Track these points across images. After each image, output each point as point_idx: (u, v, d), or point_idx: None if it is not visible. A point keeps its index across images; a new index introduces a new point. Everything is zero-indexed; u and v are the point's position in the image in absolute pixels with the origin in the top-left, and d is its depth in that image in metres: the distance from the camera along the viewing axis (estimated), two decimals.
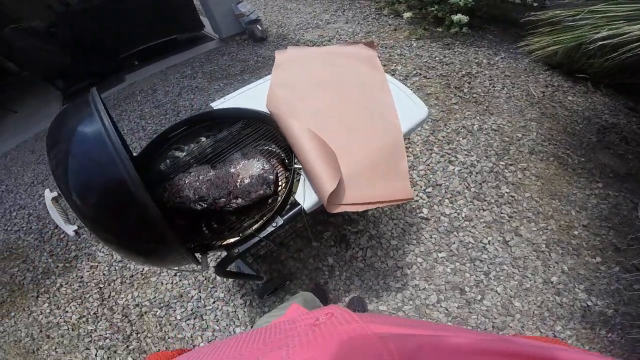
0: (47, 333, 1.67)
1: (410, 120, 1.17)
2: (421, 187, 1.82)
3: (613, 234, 1.69)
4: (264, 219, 0.94)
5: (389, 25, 3.22)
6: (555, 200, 1.79)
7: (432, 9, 2.88)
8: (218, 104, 1.29)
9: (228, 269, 0.96)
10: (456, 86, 2.36)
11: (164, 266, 1.59)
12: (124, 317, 1.62)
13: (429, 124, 2.10)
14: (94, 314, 1.68)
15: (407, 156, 1.94)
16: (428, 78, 2.46)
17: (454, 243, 1.62)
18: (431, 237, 1.64)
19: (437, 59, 2.63)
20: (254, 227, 0.92)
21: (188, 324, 1.54)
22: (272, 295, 1.51)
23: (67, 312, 1.72)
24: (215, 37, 3.70)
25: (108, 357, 1.54)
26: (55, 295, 1.79)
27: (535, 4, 2.47)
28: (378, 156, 1.05)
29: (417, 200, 1.77)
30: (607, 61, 2.04)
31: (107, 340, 1.58)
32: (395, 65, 2.63)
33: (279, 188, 1.03)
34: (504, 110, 2.15)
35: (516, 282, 1.52)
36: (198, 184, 0.94)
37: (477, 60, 2.58)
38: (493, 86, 2.30)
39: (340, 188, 0.97)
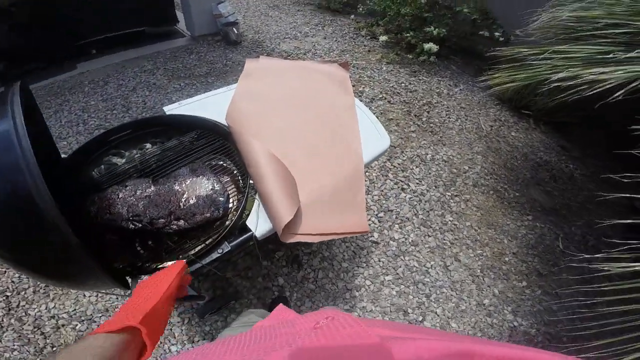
0: None
1: (372, 150, 1.17)
2: (374, 211, 1.94)
3: (537, 260, 1.92)
4: (208, 243, 0.87)
5: (364, 46, 3.34)
6: (491, 230, 2.00)
7: (407, 35, 3.01)
8: (172, 109, 1.21)
9: None
10: (416, 114, 2.51)
11: (85, 290, 1.50)
12: (35, 329, 1.49)
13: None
14: None
15: (365, 180, 2.05)
16: (392, 103, 2.60)
17: (400, 267, 1.76)
18: (379, 261, 1.77)
19: (402, 85, 2.78)
20: (194, 252, 0.85)
21: None
22: (215, 315, 1.50)
23: None
24: (187, 34, 3.57)
25: None
26: None
27: (501, 39, 2.66)
28: (337, 186, 1.05)
29: (369, 224, 1.89)
30: (552, 100, 2.24)
31: (16, 352, 1.45)
32: (363, 87, 2.75)
33: (229, 210, 0.95)
34: (455, 142, 2.34)
35: (453, 304, 1.69)
36: (134, 200, 0.85)
37: (438, 90, 2.76)
38: (449, 117, 2.49)
39: (297, 217, 0.94)
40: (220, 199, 0.92)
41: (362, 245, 1.81)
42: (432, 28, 2.79)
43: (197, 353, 0.37)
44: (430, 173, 2.15)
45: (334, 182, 1.05)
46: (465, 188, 2.12)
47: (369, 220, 1.90)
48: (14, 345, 1.47)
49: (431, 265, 1.79)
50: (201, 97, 1.30)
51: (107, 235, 0.88)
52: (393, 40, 3.25)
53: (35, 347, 1.47)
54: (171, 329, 1.44)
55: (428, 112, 2.56)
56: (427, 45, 2.83)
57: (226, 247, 0.87)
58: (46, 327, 1.48)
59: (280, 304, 0.76)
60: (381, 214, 1.93)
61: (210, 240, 0.89)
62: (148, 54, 3.21)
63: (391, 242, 1.84)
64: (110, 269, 0.83)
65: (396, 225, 1.91)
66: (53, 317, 1.52)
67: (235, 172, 1.06)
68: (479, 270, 1.82)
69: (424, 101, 2.65)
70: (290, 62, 1.52)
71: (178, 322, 1.47)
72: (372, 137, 1.23)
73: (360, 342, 0.31)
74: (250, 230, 0.93)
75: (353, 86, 2.71)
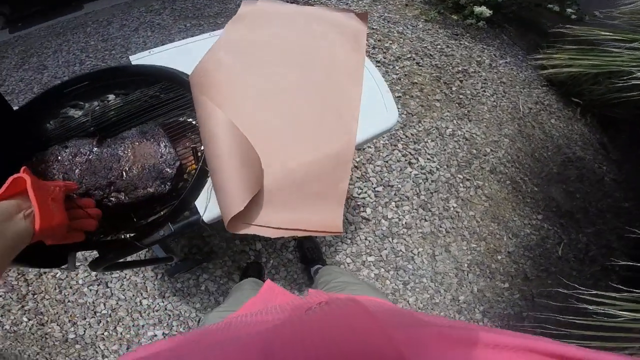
0: None
1: (372, 126, 0.95)
2: (372, 184, 1.77)
3: (530, 264, 1.81)
4: (151, 222, 0.77)
5: None
6: (494, 224, 1.85)
7: None
8: (140, 58, 1.03)
9: (112, 264, 0.81)
10: (446, 82, 2.17)
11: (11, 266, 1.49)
12: (19, 276, 1.53)
13: (402, 116, 1.95)
14: None
15: (368, 147, 1.83)
16: (420, 65, 2.22)
17: (385, 249, 1.66)
18: (366, 239, 1.66)
19: (438, 47, 2.36)
20: (130, 235, 0.76)
21: (90, 290, 1.50)
22: (187, 273, 1.48)
23: None
24: None
25: (1, 316, 1.49)
26: None
27: (573, 17, 2.20)
28: (317, 168, 0.84)
29: (363, 198, 1.74)
30: (612, 93, 1.92)
31: (0, 299, 1.51)
32: (390, 43, 2.33)
33: (180, 184, 0.81)
34: (484, 119, 2.04)
35: (428, 296, 1.63)
36: (69, 164, 0.73)
37: (479, 59, 2.35)
38: (484, 90, 2.14)
39: (255, 203, 0.77)
40: (168, 170, 0.76)
41: (352, 220, 1.68)
42: None
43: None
44: (445, 150, 1.91)
45: (312, 164, 0.84)
46: (480, 173, 1.91)
47: (365, 193, 1.74)
48: None
49: (418, 252, 1.69)
50: (177, 45, 1.06)
51: None
52: None
53: (18, 294, 1.51)
54: (144, 283, 1.43)
55: (461, 81, 2.20)
56: (478, 8, 2.36)
57: (168, 230, 0.75)
58: (30, 274, 1.51)
59: (268, 280, 0.71)
60: (379, 188, 1.76)
61: (152, 219, 0.77)
62: None
63: (383, 220, 1.71)
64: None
65: (393, 203, 1.75)
66: None
67: (196, 137, 0.89)
68: (466, 265, 1.72)
69: (459, 68, 2.27)
70: (295, 7, 1.20)
71: (152, 276, 1.45)
72: (376, 110, 0.98)
73: (356, 325, 0.28)
74: (197, 214, 0.78)
75: (379, 41, 2.32)
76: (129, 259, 0.91)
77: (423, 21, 2.56)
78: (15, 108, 0.84)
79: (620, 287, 1.32)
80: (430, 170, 1.85)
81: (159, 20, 2.55)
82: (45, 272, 1.52)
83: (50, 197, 0.50)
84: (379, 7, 2.66)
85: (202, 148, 0.84)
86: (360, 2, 2.69)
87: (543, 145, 2.05)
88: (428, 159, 1.87)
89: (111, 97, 0.93)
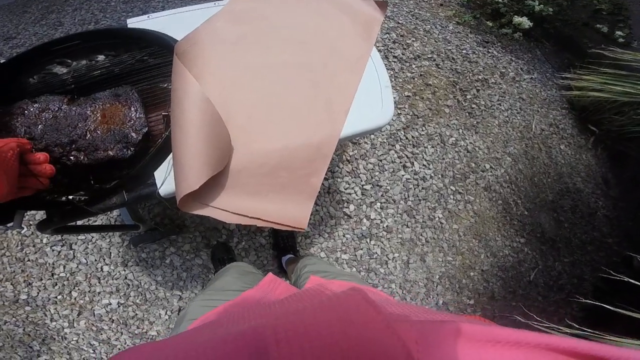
0: None
1: (362, 121, 0.86)
2: (361, 181, 1.71)
3: (500, 284, 1.83)
4: (107, 188, 0.73)
5: None
6: (476, 240, 1.83)
7: (499, 1, 2.36)
8: (137, 22, 0.99)
9: (64, 227, 0.80)
10: (462, 88, 2.04)
11: None
12: None
13: (407, 117, 1.84)
14: None
15: (364, 142, 1.75)
16: (439, 68, 2.08)
17: (361, 249, 1.64)
18: (344, 236, 1.64)
19: (463, 52, 2.21)
20: (83, 198, 0.73)
21: (53, 250, 1.47)
22: (154, 245, 1.45)
23: None
24: None
25: None
26: None
27: (620, 40, 2.05)
28: (292, 156, 0.78)
29: (349, 194, 1.69)
30: (632, 125, 1.83)
31: None
32: (413, 40, 2.16)
33: (149, 151, 0.77)
34: (491, 133, 1.94)
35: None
36: (34, 119, 0.73)
37: (503, 70, 2.20)
38: (499, 103, 2.01)
39: (214, 184, 0.72)
40: (133, 135, 0.73)
41: (333, 214, 1.65)
42: (536, 3, 2.21)
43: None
44: (444, 159, 1.83)
45: (286, 151, 0.78)
46: (473, 188, 1.85)
47: (352, 190, 1.69)
48: None
49: (393, 258, 1.68)
50: (176, 11, 1.01)
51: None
52: (477, 1, 2.56)
53: None
54: (109, 248, 1.39)
55: (478, 90, 2.07)
56: (519, 19, 2.21)
57: (121, 198, 0.74)
58: None
59: (270, 273, 0.69)
60: (367, 187, 1.71)
61: (113, 184, 0.74)
62: None
63: (365, 220, 1.68)
64: None
65: (378, 204, 1.71)
66: None
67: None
68: (437, 277, 1.72)
69: (480, 77, 2.12)
70: None
71: (118, 242, 1.41)
72: (371, 104, 0.90)
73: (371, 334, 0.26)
74: (154, 186, 0.75)
75: (401, 36, 2.15)
76: (98, 222, 0.88)
77: (454, 23, 2.39)
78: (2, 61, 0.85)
79: (573, 324, 1.34)
80: (424, 177, 1.79)
81: None
82: (8, 228, 1.48)
83: (2, 169, 0.49)
84: (410, 2, 2.47)
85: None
86: None
87: (545, 170, 1.98)
88: (424, 165, 1.80)
89: (101, 57, 0.90)
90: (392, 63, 2.04)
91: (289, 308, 0.36)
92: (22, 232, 1.47)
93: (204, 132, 0.70)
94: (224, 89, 0.80)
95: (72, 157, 0.72)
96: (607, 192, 2.07)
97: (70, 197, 0.75)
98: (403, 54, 2.06)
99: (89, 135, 0.72)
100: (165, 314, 1.46)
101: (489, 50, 2.26)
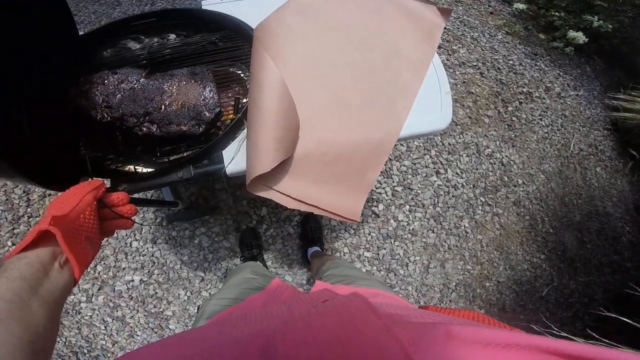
0: None
1: (421, 124, 0.88)
2: (393, 182, 1.72)
3: (512, 297, 1.85)
4: (172, 160, 0.77)
5: (488, 6, 2.50)
6: (497, 252, 1.84)
7: (555, 13, 2.26)
8: (211, 4, 0.99)
9: None
10: (504, 99, 1.99)
11: (18, 183, 1.41)
12: (24, 194, 1.49)
13: None
14: None
15: (400, 145, 1.74)
16: (483, 77, 2.03)
17: (385, 249, 1.67)
18: (369, 234, 1.66)
19: (510, 62, 2.15)
20: (149, 170, 0.75)
21: None
22: (186, 223, 1.47)
23: None
24: None
25: None
26: None
27: None
28: (351, 151, 0.81)
29: (380, 193, 1.70)
30: None
31: None
32: (459, 47, 2.12)
33: (212, 131, 0.81)
34: (528, 148, 1.91)
35: None
36: (112, 89, 0.75)
37: (549, 85, 2.14)
38: (541, 119, 1.97)
39: (281, 169, 0.75)
40: (207, 114, 0.77)
41: (362, 212, 1.66)
42: (595, 19, 2.11)
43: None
44: (477, 169, 1.82)
45: (348, 144, 0.81)
46: (503, 202, 1.84)
47: (383, 189, 1.70)
48: None
49: (414, 261, 1.70)
50: None
51: (80, 122, 0.78)
52: (530, 13, 2.46)
53: (14, 215, 1.47)
54: (141, 224, 1.42)
55: (520, 102, 2.03)
56: (574, 33, 2.12)
57: (188, 173, 0.74)
58: (34, 194, 1.46)
59: (277, 277, 0.73)
60: (399, 188, 1.72)
61: (176, 157, 0.78)
62: None
63: (392, 221, 1.70)
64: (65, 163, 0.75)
65: (407, 207, 1.72)
66: None
67: (247, 87, 0.88)
68: (453, 284, 1.75)
69: (524, 90, 2.07)
70: None
71: (151, 218, 1.44)
72: (430, 109, 0.91)
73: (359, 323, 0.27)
74: (222, 163, 0.77)
75: (447, 42, 2.11)
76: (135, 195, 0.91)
77: (504, 33, 2.32)
78: (80, 33, 0.87)
79: (593, 334, 1.36)
80: (455, 185, 1.78)
81: None
82: (50, 195, 1.49)
83: (83, 236, 0.46)
84: (460, 8, 2.41)
85: (244, 101, 0.85)
86: (440, 0, 2.42)
87: (577, 192, 1.95)
88: (457, 173, 1.79)
89: (172, 36, 0.94)
90: None
91: (295, 313, 0.37)
92: None
93: (280, 116, 0.73)
94: (293, 78, 0.81)
95: (144, 128, 0.75)
96: (636, 219, 2.04)
97: (136, 167, 0.78)
98: (448, 60, 2.02)
99: (163, 109, 0.75)
100: (185, 294, 1.49)
101: (537, 63, 2.20)
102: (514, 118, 1.95)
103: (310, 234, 1.55)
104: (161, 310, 1.48)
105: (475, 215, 1.80)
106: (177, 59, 0.87)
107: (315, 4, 0.95)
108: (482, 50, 2.14)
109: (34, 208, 1.50)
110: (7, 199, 1.51)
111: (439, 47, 2.05)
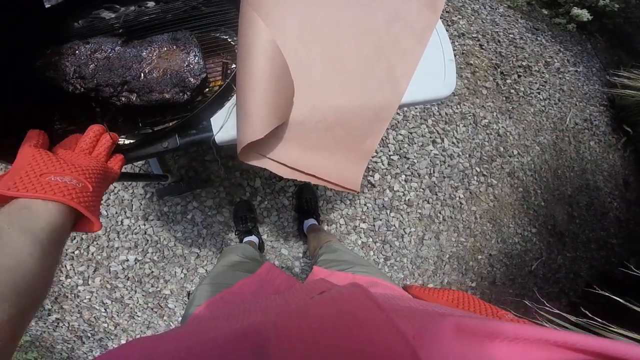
0: None
1: (423, 91, 0.83)
2: (389, 150, 1.67)
3: (502, 270, 1.86)
4: (156, 130, 0.72)
5: None
6: (490, 224, 1.83)
7: None
8: None
9: None
10: (503, 72, 1.96)
11: None
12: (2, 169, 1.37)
13: None
14: None
15: (397, 114, 1.68)
16: (483, 49, 1.97)
17: (380, 219, 1.63)
18: (365, 205, 1.62)
19: (510, 36, 2.09)
20: (130, 141, 0.71)
21: None
22: (177, 198, 1.40)
23: None
24: None
25: None
26: None
27: None
28: (350, 116, 0.75)
29: (376, 162, 1.65)
30: None
31: None
32: (459, 18, 2.04)
33: (198, 99, 0.76)
34: (525, 120, 1.89)
35: (402, 276, 1.66)
36: (85, 59, 0.69)
37: (549, 60, 2.11)
38: (538, 92, 1.95)
39: (274, 136, 0.70)
40: (192, 80, 0.70)
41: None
42: None
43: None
44: (473, 139, 1.79)
45: (347, 109, 0.75)
46: (498, 172, 1.83)
47: (379, 159, 1.65)
48: None
49: (409, 232, 1.68)
50: None
51: (49, 97, 0.72)
52: None
53: None
54: (131, 200, 1.33)
55: (519, 76, 1.99)
56: (578, 10, 2.07)
57: (173, 143, 0.70)
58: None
59: (267, 261, 0.72)
60: (395, 157, 1.67)
61: (161, 127, 0.73)
62: None
63: (387, 191, 1.65)
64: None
65: (403, 176, 1.68)
66: None
67: (228, 55, 0.82)
68: (447, 256, 1.74)
69: (523, 63, 2.04)
70: None
71: (141, 194, 1.35)
72: (434, 76, 0.86)
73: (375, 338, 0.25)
74: (211, 131, 0.72)
75: (447, 12, 2.04)
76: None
77: (505, 6, 2.25)
78: (48, 5, 0.78)
79: (587, 312, 1.38)
80: (451, 154, 1.75)
81: None
82: None
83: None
84: None
85: (233, 66, 0.78)
86: None
87: (570, 165, 1.96)
88: (453, 142, 1.75)
89: (151, 3, 0.86)
90: None
91: (291, 303, 0.36)
92: None
93: (274, 81, 0.67)
94: (286, 39, 0.74)
95: (122, 98, 0.69)
96: (624, 195, 2.07)
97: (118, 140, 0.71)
98: (447, 30, 1.94)
99: (143, 77, 0.69)
100: (181, 271, 1.45)
101: (538, 38, 2.16)
102: (512, 90, 1.92)
103: (305, 205, 1.49)
104: (159, 289, 1.44)
105: (470, 185, 1.78)
106: (157, 26, 0.80)
107: None
108: (483, 22, 2.09)
109: None
110: None
111: (440, 17, 1.99)
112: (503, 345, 0.24)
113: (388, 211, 1.64)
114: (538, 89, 1.99)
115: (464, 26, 2.02)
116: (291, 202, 1.53)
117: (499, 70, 1.95)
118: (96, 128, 0.53)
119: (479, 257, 1.82)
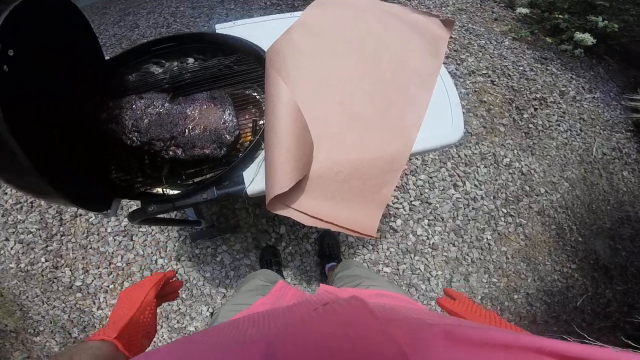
0: None
1: (433, 138, 0.89)
2: (410, 196, 1.72)
3: (543, 309, 1.78)
4: (197, 182, 0.81)
5: (492, 12, 2.52)
6: (524, 263, 1.79)
7: (560, 16, 2.26)
8: (224, 27, 1.06)
9: (147, 218, 0.85)
10: (518, 107, 1.97)
11: (56, 204, 1.51)
12: (57, 214, 1.58)
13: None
14: (31, 203, 1.63)
15: (415, 159, 1.75)
16: (495, 85, 2.02)
17: (404, 264, 1.66)
18: (388, 249, 1.66)
19: (520, 68, 2.13)
20: (174, 192, 0.80)
21: (115, 240, 1.56)
22: (208, 241, 1.52)
23: (5, 193, 1.68)
24: None
25: (22, 253, 1.55)
26: None
27: None
28: (365, 168, 0.83)
29: (397, 208, 1.71)
30: None
31: (30, 236, 1.55)
32: (467, 56, 2.13)
33: (232, 153, 0.85)
34: (548, 156, 1.87)
35: None
36: (140, 114, 0.79)
37: (563, 89, 2.10)
38: (558, 124, 1.93)
39: (297, 188, 0.78)
40: (227, 137, 0.80)
41: (379, 227, 1.68)
42: (600, 19, 2.09)
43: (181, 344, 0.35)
44: (496, 180, 1.80)
45: (362, 161, 0.83)
46: (526, 212, 1.80)
47: (400, 205, 1.71)
48: (32, 227, 1.57)
49: (436, 275, 1.68)
50: (259, 20, 1.09)
51: (109, 146, 0.84)
52: (534, 17, 2.47)
53: (48, 233, 1.56)
54: (166, 242, 1.49)
55: (535, 109, 1.99)
56: (580, 35, 2.11)
57: (211, 194, 0.79)
58: (67, 214, 1.55)
59: (282, 280, 0.75)
60: (416, 203, 1.72)
61: (200, 179, 0.83)
62: None
63: (411, 235, 1.69)
64: (97, 183, 0.82)
65: (426, 221, 1.71)
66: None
67: (258, 111, 0.92)
68: (479, 297, 1.70)
69: (537, 95, 2.04)
70: (377, 1, 1.12)
71: (175, 237, 1.50)
72: (441, 122, 0.93)
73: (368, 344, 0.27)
74: (243, 183, 0.82)
75: (455, 51, 2.13)
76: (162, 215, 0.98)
77: (510, 39, 2.32)
78: (107, 58, 0.93)
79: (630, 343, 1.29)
80: (475, 197, 1.76)
81: None
82: (80, 215, 1.58)
83: (141, 334, 0.54)
84: (464, 16, 2.44)
85: (261, 122, 0.88)
86: (444, 8, 2.48)
87: (605, 198, 1.88)
88: (475, 185, 1.77)
89: (190, 60, 1.00)
90: None
91: (296, 316, 0.38)
92: (90, 220, 1.59)
93: (295, 137, 0.77)
94: (305, 98, 0.85)
95: (170, 152, 0.79)
96: None
97: (163, 190, 0.83)
98: (457, 70, 2.03)
99: (187, 133, 0.79)
100: (207, 310, 1.53)
101: (548, 67, 2.17)
102: (530, 125, 1.92)
103: (327, 250, 1.57)
104: (184, 325, 1.52)
105: (498, 227, 1.77)
106: (197, 83, 0.93)
107: (321, 22, 1.02)
108: (491, 57, 2.14)
109: (66, 227, 1.60)
110: (41, 219, 1.62)
111: (447, 57, 2.08)
112: (492, 353, 0.25)
113: (412, 255, 1.68)
114: (557, 120, 1.97)
115: (473, 63, 2.08)
116: (314, 248, 1.61)
117: (513, 105, 1.97)
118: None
119: (515, 296, 1.76)
